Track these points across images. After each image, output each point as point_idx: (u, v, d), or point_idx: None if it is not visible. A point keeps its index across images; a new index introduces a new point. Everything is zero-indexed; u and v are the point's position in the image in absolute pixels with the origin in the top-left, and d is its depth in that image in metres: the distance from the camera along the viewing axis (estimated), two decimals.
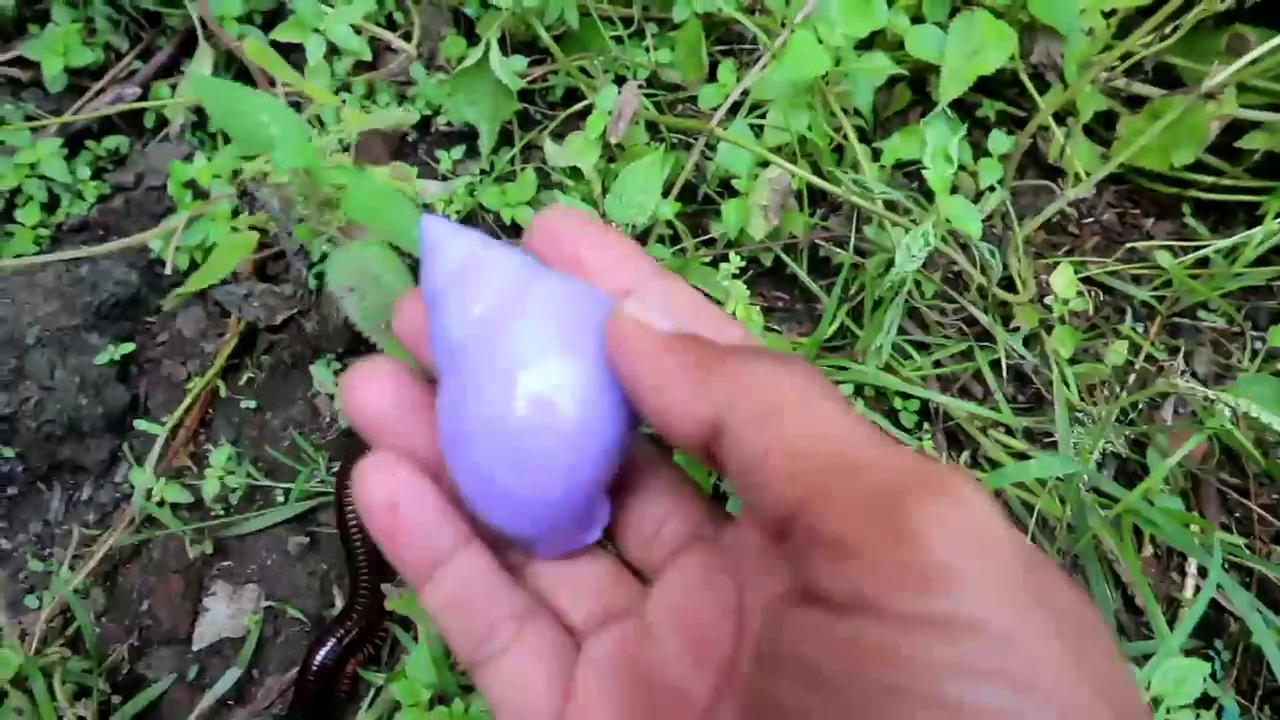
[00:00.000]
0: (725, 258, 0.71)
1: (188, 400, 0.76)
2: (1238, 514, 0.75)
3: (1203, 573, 0.71)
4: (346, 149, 0.76)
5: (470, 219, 0.84)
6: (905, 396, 0.75)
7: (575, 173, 0.80)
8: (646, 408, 0.27)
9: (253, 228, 0.73)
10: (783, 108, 0.74)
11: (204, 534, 0.72)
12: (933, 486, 0.21)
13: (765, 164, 0.74)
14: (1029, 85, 0.80)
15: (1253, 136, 0.80)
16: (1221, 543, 0.65)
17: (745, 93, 0.74)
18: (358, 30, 0.79)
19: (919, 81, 0.85)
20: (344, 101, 0.84)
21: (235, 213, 0.76)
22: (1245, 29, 0.79)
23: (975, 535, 0.21)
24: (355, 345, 0.77)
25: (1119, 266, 0.83)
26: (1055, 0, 0.76)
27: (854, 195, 0.70)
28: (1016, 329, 0.78)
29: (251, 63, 0.74)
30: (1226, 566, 0.70)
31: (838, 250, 0.79)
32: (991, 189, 0.79)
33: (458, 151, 0.85)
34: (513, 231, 0.82)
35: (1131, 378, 0.78)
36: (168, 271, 0.71)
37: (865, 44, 0.77)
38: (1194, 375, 0.80)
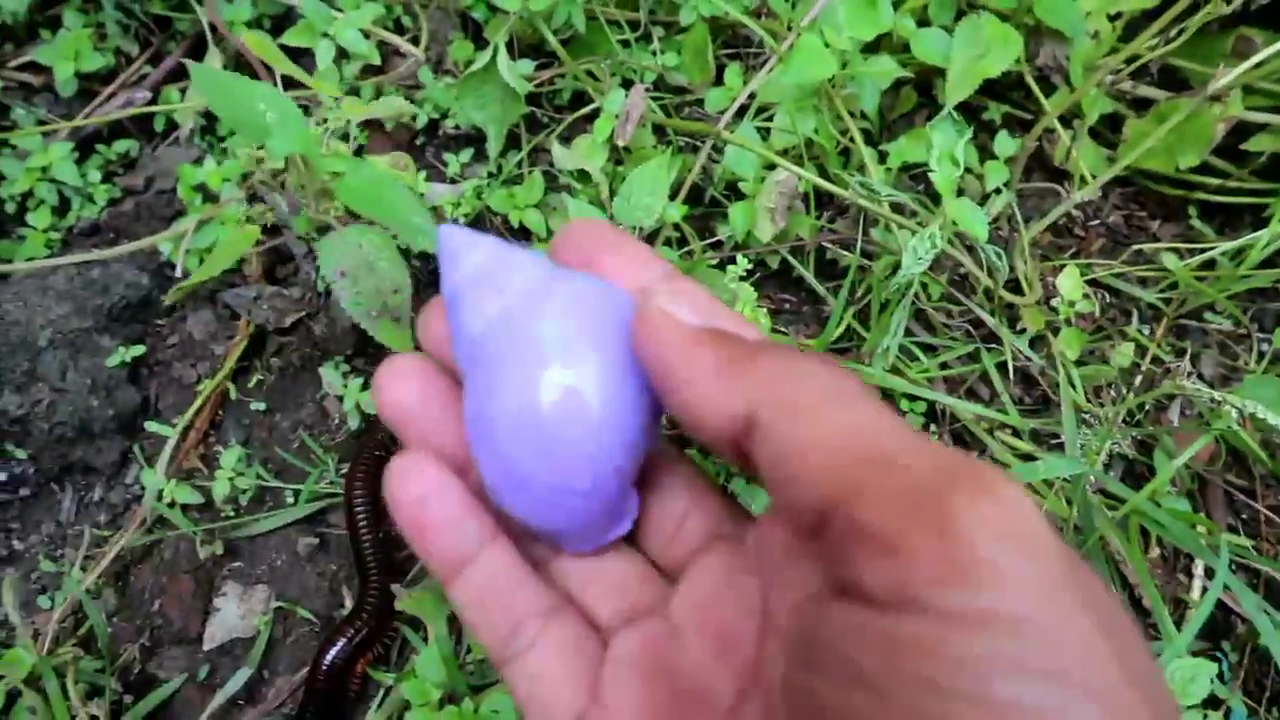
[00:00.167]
0: (732, 260, 0.71)
1: (198, 402, 0.76)
2: (1244, 515, 0.75)
3: (1209, 574, 0.71)
4: (347, 143, 0.76)
5: (478, 222, 0.85)
6: (912, 398, 0.75)
7: (583, 175, 0.81)
8: (676, 401, 0.27)
9: (261, 227, 0.74)
10: (789, 111, 0.75)
11: (214, 535, 0.73)
12: (974, 483, 0.21)
13: (772, 167, 0.74)
14: (1035, 88, 0.80)
15: (1259, 139, 0.80)
16: (1228, 544, 0.65)
17: (752, 96, 0.74)
18: (366, 34, 0.79)
19: (925, 84, 0.85)
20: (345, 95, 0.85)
21: (249, 220, 0.76)
22: (1251, 31, 0.79)
23: (1018, 532, 0.21)
24: (364, 347, 0.78)
25: (1125, 268, 0.83)
26: (1061, 3, 0.76)
27: (861, 198, 0.70)
28: (1023, 331, 0.78)
29: (256, 61, 0.74)
30: (1233, 568, 0.70)
31: (844, 253, 0.79)
32: (998, 191, 0.79)
33: (465, 155, 0.86)
34: (521, 234, 0.83)
35: (1138, 379, 0.78)
36: (178, 274, 0.71)
37: (871, 47, 0.78)
38: (1200, 377, 0.80)
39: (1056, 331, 0.76)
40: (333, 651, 0.64)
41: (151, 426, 0.74)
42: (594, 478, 0.29)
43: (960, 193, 0.75)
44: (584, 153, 0.78)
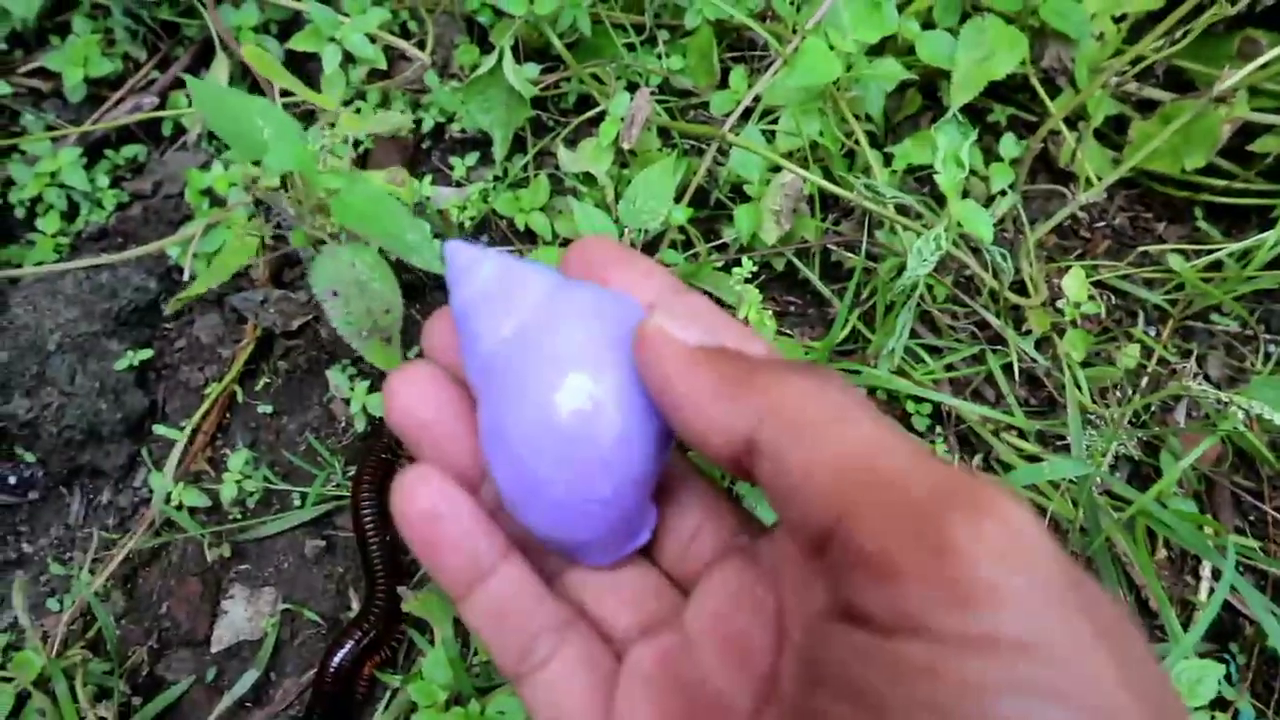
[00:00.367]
0: (738, 262, 0.71)
1: (205, 405, 0.77)
2: (1251, 517, 0.75)
3: (1216, 575, 0.71)
4: (353, 150, 0.77)
5: (484, 225, 0.85)
6: (918, 400, 0.75)
7: (588, 179, 0.81)
8: (677, 420, 0.27)
9: (266, 234, 0.74)
10: (794, 113, 0.75)
11: (222, 537, 0.73)
12: (972, 501, 0.21)
13: (777, 169, 0.74)
14: (1040, 90, 0.80)
15: (1265, 140, 0.80)
16: (1235, 545, 0.65)
17: (757, 99, 0.75)
18: (372, 39, 0.80)
19: (930, 87, 0.86)
20: (358, 110, 0.85)
21: (251, 233, 0.77)
22: (1256, 32, 0.79)
23: (1018, 550, 0.20)
24: None
25: (1131, 270, 0.83)
26: (1066, 5, 0.76)
27: (866, 200, 0.71)
28: (1028, 332, 0.78)
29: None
30: (1241, 569, 0.69)
31: (850, 255, 0.79)
32: (1003, 193, 0.79)
33: (471, 158, 0.86)
34: (526, 238, 0.83)
35: (1144, 381, 0.78)
36: (185, 278, 0.72)
37: (876, 50, 0.78)
38: (1207, 378, 0.79)
39: (1062, 333, 0.76)
40: (340, 654, 0.65)
41: (159, 430, 0.75)
42: (615, 487, 0.29)
43: (965, 195, 0.75)
44: (589, 156, 0.78)
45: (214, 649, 0.70)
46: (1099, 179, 0.78)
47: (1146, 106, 0.84)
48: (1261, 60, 0.71)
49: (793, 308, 0.82)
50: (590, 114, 0.84)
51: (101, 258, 0.73)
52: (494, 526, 0.31)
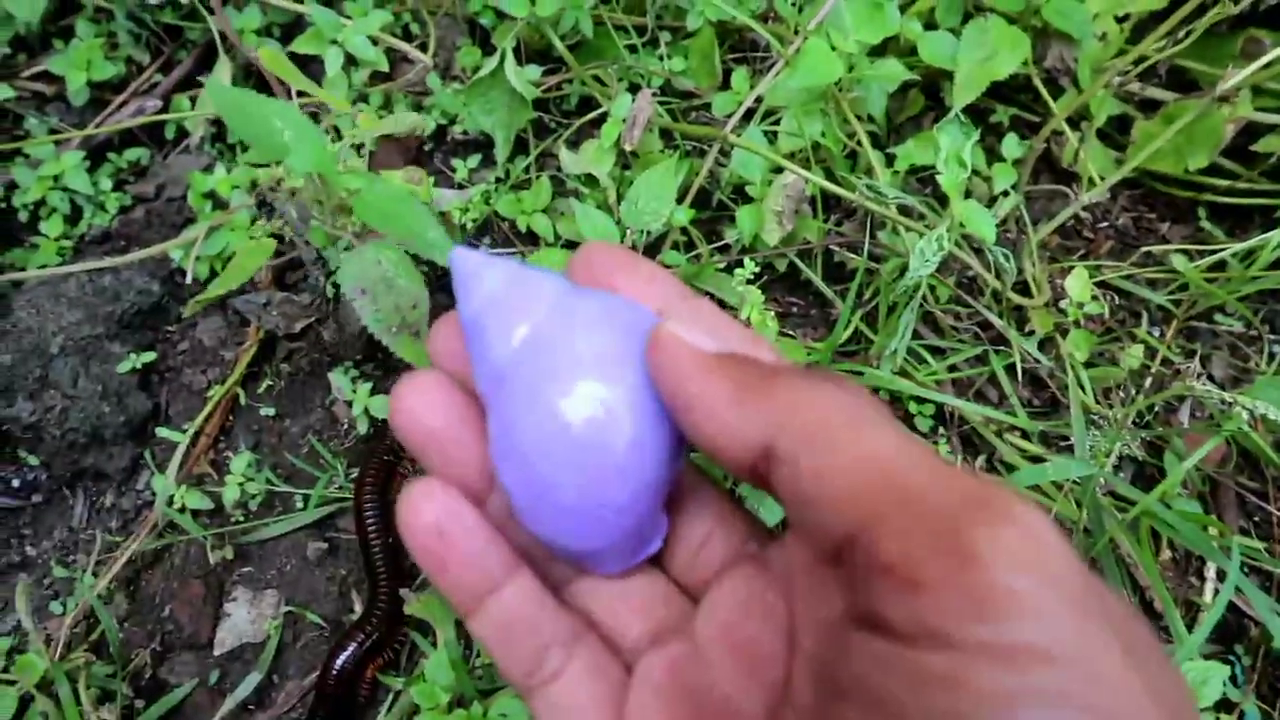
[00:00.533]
0: (740, 263, 0.71)
1: (208, 408, 0.77)
2: (1256, 518, 0.75)
3: (1221, 576, 0.70)
4: (361, 153, 0.77)
5: (486, 227, 0.85)
6: (920, 401, 0.75)
7: (590, 180, 0.81)
8: (692, 428, 0.27)
9: (272, 235, 0.74)
10: (796, 114, 0.75)
11: (224, 540, 0.73)
12: (994, 511, 0.21)
13: (779, 170, 0.74)
14: (1042, 90, 0.80)
15: (1268, 140, 0.80)
16: (1240, 546, 0.65)
17: (759, 100, 0.75)
18: (375, 41, 0.80)
19: (932, 87, 0.85)
20: (360, 111, 0.85)
21: (261, 232, 0.77)
22: (1260, 32, 0.79)
23: (1037, 559, 0.20)
24: (372, 353, 0.78)
25: (1134, 270, 0.83)
26: (1068, 5, 0.76)
27: (868, 201, 0.70)
28: (1031, 333, 0.78)
29: (270, 74, 0.75)
30: (1246, 570, 0.69)
31: (852, 255, 0.79)
32: (1005, 194, 0.79)
33: (473, 160, 0.86)
34: (528, 239, 0.83)
35: (1148, 381, 0.78)
36: (188, 281, 0.72)
37: (878, 50, 0.78)
38: (1211, 378, 0.79)
39: (1065, 333, 0.76)
40: (342, 656, 0.65)
41: (162, 432, 0.75)
42: (629, 494, 0.29)
43: (968, 195, 0.75)
44: (591, 157, 0.78)
45: (217, 651, 0.70)
46: (1102, 179, 0.78)
47: (1149, 106, 0.84)
48: (1265, 60, 0.71)
49: (795, 309, 0.82)
50: (592, 115, 0.84)
51: (104, 261, 0.73)
52: (501, 540, 0.30)
